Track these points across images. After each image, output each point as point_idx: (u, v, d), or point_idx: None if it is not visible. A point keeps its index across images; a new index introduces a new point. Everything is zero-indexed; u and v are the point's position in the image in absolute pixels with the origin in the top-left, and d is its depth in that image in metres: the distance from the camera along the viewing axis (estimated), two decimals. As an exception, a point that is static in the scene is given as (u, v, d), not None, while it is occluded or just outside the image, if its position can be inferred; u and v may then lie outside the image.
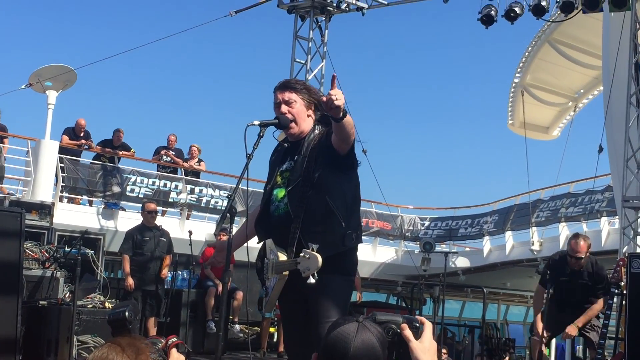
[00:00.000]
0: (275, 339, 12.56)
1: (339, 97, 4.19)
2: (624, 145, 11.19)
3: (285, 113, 4.81)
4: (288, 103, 4.83)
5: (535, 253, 21.03)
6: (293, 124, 4.84)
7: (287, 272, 4.67)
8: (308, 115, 4.88)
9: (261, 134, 4.75)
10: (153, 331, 11.21)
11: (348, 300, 5.00)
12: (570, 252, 8.57)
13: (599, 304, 8.51)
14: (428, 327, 2.59)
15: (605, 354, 8.33)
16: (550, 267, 9.09)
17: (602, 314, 8.84)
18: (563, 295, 8.65)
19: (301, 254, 4.56)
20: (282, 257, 4.70)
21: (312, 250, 4.52)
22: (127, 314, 4.30)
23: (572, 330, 8.47)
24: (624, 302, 8.69)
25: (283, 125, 4.86)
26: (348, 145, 4.64)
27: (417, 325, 2.57)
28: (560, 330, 8.90)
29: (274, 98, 4.91)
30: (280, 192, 4.86)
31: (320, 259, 4.47)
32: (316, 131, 4.86)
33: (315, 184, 4.70)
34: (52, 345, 8.16)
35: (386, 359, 2.51)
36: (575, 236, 8.72)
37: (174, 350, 2.98)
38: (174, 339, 3.05)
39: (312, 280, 4.45)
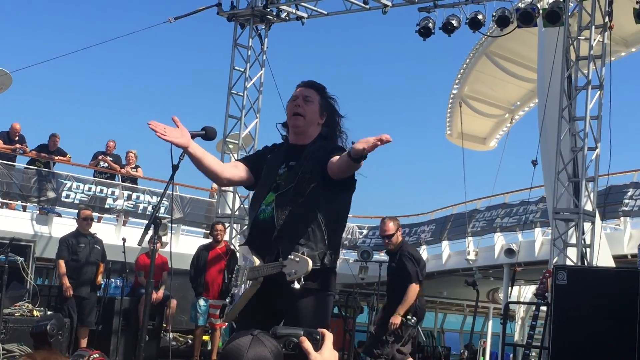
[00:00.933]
0: (209, 347, 12.46)
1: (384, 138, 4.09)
2: (556, 158, 11.35)
3: (299, 105, 4.73)
4: (307, 99, 4.75)
5: (470, 262, 21.25)
6: (300, 118, 4.73)
7: (261, 279, 4.51)
8: (319, 123, 4.80)
9: (185, 147, 4.70)
10: (84, 341, 11.05)
11: (328, 315, 4.72)
12: (380, 232, 9.47)
13: (410, 291, 8.84)
14: (328, 338, 2.58)
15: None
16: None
17: (532, 322, 9.03)
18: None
19: (290, 256, 4.38)
20: (257, 262, 4.55)
21: (303, 254, 4.38)
22: (48, 327, 4.18)
23: (395, 319, 8.74)
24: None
25: (210, 137, 4.82)
26: (344, 176, 4.54)
27: (317, 337, 2.56)
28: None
29: (295, 91, 4.82)
30: (270, 196, 4.70)
31: (310, 263, 4.33)
32: (317, 144, 4.74)
33: (307, 195, 4.58)
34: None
35: None
36: (383, 219, 9.46)
37: None
38: (96, 355, 3.02)
39: (296, 285, 4.28)
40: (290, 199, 4.59)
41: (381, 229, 9.41)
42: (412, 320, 8.89)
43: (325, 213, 4.60)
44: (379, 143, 4.08)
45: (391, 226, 9.24)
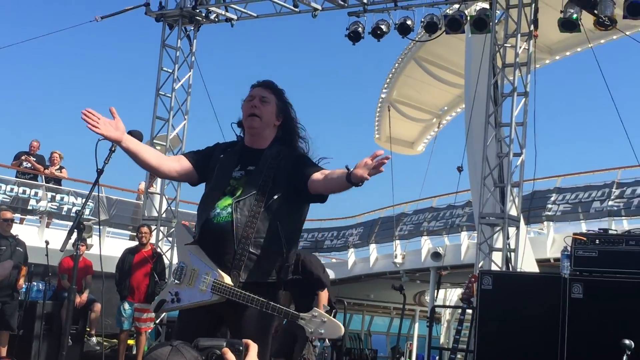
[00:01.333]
0: (134, 352, 12.31)
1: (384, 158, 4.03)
2: (482, 163, 11.47)
3: (255, 105, 4.58)
4: (263, 100, 4.61)
5: (398, 266, 21.41)
6: (256, 119, 4.58)
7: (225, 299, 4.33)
8: (275, 125, 4.67)
9: (112, 149, 4.64)
10: (3, 349, 10.78)
11: (267, 330, 4.55)
12: None
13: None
14: (252, 348, 2.56)
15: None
16: None
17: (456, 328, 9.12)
18: None
19: (314, 313, 4.16)
20: (227, 279, 4.35)
21: (324, 312, 4.18)
22: None
23: None
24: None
25: (137, 139, 4.72)
26: (329, 194, 4.49)
27: (240, 348, 2.53)
28: None
29: (250, 92, 4.68)
30: (225, 201, 4.52)
31: (342, 329, 4.19)
32: (274, 149, 4.61)
33: (269, 206, 4.45)
34: None
35: None
36: None
37: None
38: None
39: (317, 344, 4.15)
40: (251, 207, 4.45)
41: None
42: None
43: (285, 225, 4.51)
44: (380, 167, 4.01)
45: None
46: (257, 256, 4.41)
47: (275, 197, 4.46)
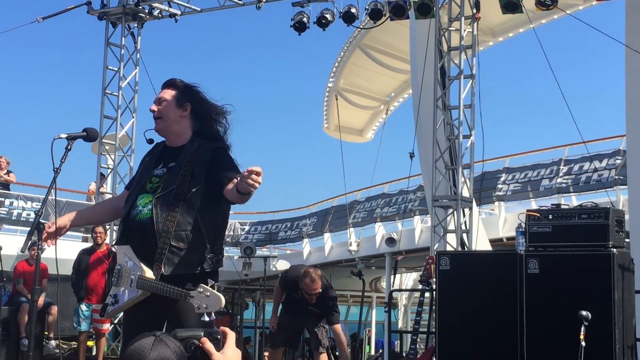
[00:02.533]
0: (94, 353, 12.23)
1: (259, 178, 4.11)
2: (432, 147, 11.58)
3: (154, 111, 4.68)
4: (160, 101, 4.69)
5: (353, 253, 21.49)
6: (160, 122, 4.69)
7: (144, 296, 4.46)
8: (181, 116, 4.70)
9: (69, 147, 4.64)
10: None
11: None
12: (306, 290, 8.92)
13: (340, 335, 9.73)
14: (230, 336, 2.57)
15: (418, 348, 8.60)
16: (283, 283, 9.64)
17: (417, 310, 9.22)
18: (295, 314, 9.49)
19: (199, 289, 4.25)
20: (149, 273, 4.44)
21: (213, 287, 4.26)
22: None
23: None
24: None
25: (91, 138, 4.76)
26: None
27: (218, 337, 2.55)
28: (294, 335, 10.07)
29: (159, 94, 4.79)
30: (145, 198, 4.62)
31: (223, 300, 4.24)
32: (195, 143, 4.67)
33: (188, 199, 4.52)
34: None
35: None
36: (306, 275, 8.95)
37: None
38: None
39: (206, 318, 4.20)
40: (171, 202, 4.52)
41: (308, 287, 8.88)
42: None
43: (207, 217, 4.56)
44: (256, 180, 4.10)
45: (318, 283, 8.94)
46: (179, 249, 4.49)
47: (194, 190, 4.53)
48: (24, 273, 11.86)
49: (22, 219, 17.52)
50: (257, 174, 4.09)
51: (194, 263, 4.51)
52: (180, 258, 4.49)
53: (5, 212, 17.58)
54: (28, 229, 4.75)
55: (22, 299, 11.70)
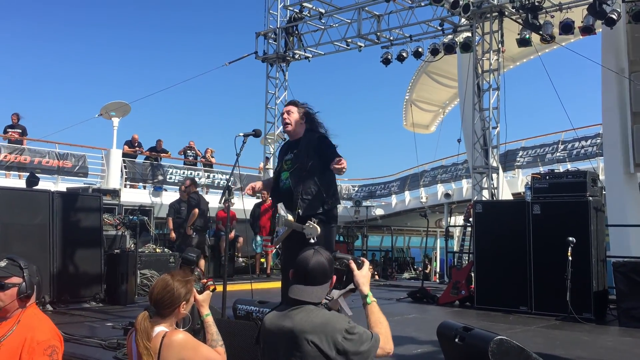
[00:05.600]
0: (264, 265, 12.65)
1: (344, 167, 4.27)
2: (472, 135, 11.40)
3: (285, 118, 4.79)
4: (288, 113, 4.80)
5: (423, 204, 21.36)
6: (289, 126, 4.79)
7: (291, 229, 4.61)
8: (301, 122, 4.80)
9: (245, 141, 4.79)
10: (202, 265, 10.98)
11: (332, 239, 4.79)
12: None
13: None
14: (366, 263, 2.65)
15: (464, 262, 8.59)
16: None
17: (462, 238, 9.17)
18: None
19: (307, 224, 4.39)
20: (290, 217, 4.58)
21: (314, 222, 4.39)
22: (195, 257, 4.02)
23: None
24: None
25: (258, 135, 4.94)
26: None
27: (359, 261, 2.63)
28: None
29: (284, 109, 4.91)
30: (285, 174, 4.75)
31: (319, 229, 4.37)
32: (307, 137, 4.77)
33: (308, 170, 4.62)
34: (124, 277, 8.17)
35: (332, 273, 2.55)
36: None
37: (207, 291, 3.03)
38: (211, 282, 3.09)
39: (312, 240, 4.30)
40: (299, 173, 4.63)
41: None
42: None
43: (321, 179, 4.63)
44: (341, 168, 4.23)
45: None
46: (307, 200, 4.58)
47: (310, 164, 4.61)
48: (222, 217, 12.27)
49: (220, 185, 18.14)
50: (341, 165, 4.21)
51: (317, 206, 4.61)
52: (308, 204, 4.59)
53: (210, 181, 18.24)
54: (223, 191, 4.98)
55: (222, 233, 12.11)
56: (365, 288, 2.56)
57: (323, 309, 2.41)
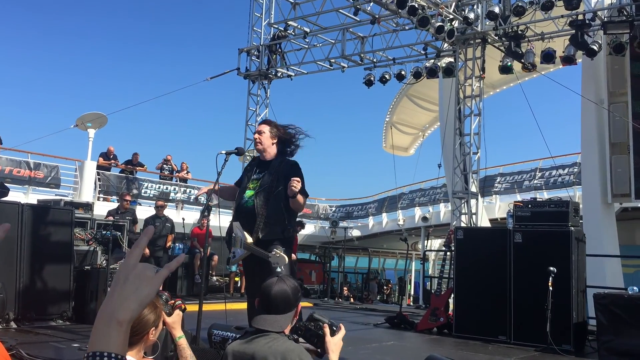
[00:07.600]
0: (239, 284, 12.44)
1: (296, 187, 4.29)
2: (452, 159, 11.39)
3: (256, 138, 4.75)
4: (260, 132, 4.76)
5: (400, 226, 21.33)
6: (260, 145, 4.75)
7: (249, 253, 4.54)
8: (272, 143, 4.76)
9: (226, 159, 4.72)
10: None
11: (293, 266, 4.82)
12: None
13: None
14: (341, 331, 2.49)
15: (442, 287, 8.49)
16: None
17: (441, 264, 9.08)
18: None
19: (273, 252, 4.34)
20: (249, 239, 4.52)
21: (280, 252, 4.33)
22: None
23: None
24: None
25: (240, 153, 4.84)
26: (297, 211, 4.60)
27: (334, 328, 2.49)
28: None
29: (257, 127, 4.90)
30: (249, 193, 4.71)
31: (286, 259, 4.32)
32: (279, 159, 4.74)
33: (275, 194, 4.59)
34: (94, 295, 7.90)
35: (298, 302, 2.47)
36: None
37: (177, 310, 2.84)
38: (179, 302, 2.88)
39: (279, 269, 4.23)
40: (264, 196, 4.61)
41: None
42: None
43: (287, 205, 4.59)
44: (294, 188, 4.28)
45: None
46: (271, 224, 4.55)
47: (279, 188, 4.59)
48: (197, 234, 12.09)
49: (192, 201, 17.85)
50: (294, 185, 4.23)
51: (278, 232, 4.58)
52: (270, 228, 4.56)
53: (186, 197, 17.98)
54: (200, 207, 4.86)
55: (196, 250, 11.95)
56: (334, 356, 2.40)
57: (288, 340, 2.36)
